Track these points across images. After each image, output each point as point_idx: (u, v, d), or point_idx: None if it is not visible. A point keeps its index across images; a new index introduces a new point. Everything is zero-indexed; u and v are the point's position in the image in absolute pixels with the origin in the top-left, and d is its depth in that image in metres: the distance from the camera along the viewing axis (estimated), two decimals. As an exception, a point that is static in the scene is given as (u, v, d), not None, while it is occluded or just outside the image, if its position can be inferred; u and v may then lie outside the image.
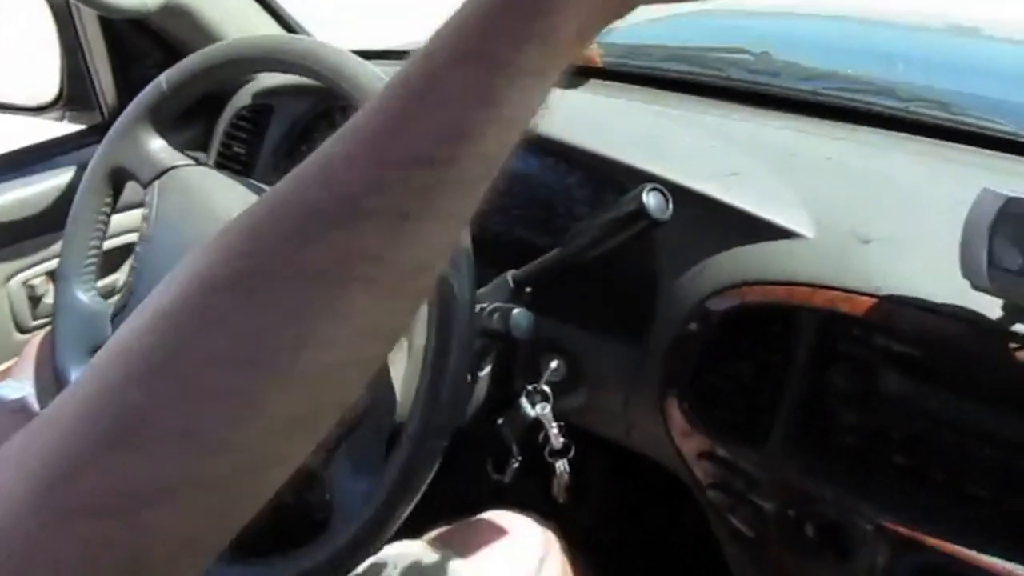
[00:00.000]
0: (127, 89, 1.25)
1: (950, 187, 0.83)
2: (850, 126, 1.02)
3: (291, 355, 0.31)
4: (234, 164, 1.19)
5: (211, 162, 1.21)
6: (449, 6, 0.34)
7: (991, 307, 0.68)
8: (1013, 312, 0.67)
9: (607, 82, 1.19)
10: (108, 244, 1.02)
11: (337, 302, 0.32)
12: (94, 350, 0.93)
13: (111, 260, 1.17)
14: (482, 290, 0.89)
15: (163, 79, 0.89)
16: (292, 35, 0.89)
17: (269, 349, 0.31)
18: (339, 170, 0.32)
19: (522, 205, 1.01)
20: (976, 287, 0.67)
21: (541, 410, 0.88)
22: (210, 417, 0.31)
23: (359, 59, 0.78)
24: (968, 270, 0.67)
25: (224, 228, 0.33)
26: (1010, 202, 0.64)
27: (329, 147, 0.33)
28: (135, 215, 1.10)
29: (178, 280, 0.33)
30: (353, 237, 0.31)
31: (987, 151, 0.97)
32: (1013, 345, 0.67)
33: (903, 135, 1.00)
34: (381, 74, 0.77)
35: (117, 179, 0.93)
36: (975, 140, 0.98)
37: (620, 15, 0.35)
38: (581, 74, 1.20)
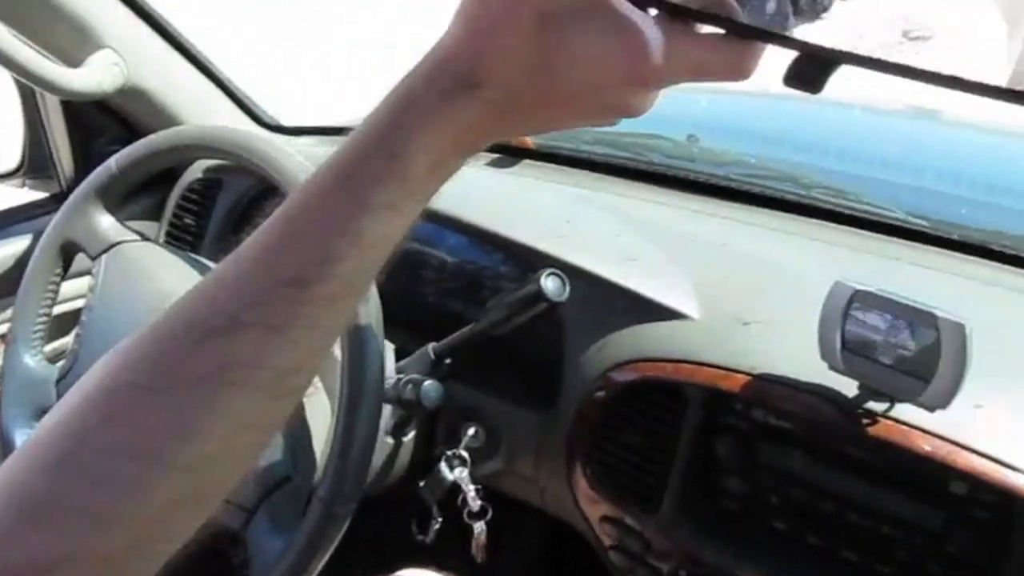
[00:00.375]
0: (85, 162, 1.31)
1: (829, 272, 0.91)
2: (755, 210, 1.11)
3: (176, 447, 0.38)
4: (184, 235, 1.26)
5: (163, 231, 1.28)
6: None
7: (849, 386, 0.76)
8: (866, 391, 0.75)
9: (537, 163, 1.27)
10: (58, 309, 1.08)
11: (216, 402, 0.38)
12: (38, 412, 0.98)
13: (60, 324, 1.22)
14: (405, 361, 0.96)
15: (113, 162, 0.97)
16: (231, 128, 0.97)
17: (157, 442, 0.38)
18: (221, 288, 0.40)
19: (453, 280, 1.08)
20: (833, 369, 0.74)
21: (459, 474, 0.95)
22: (107, 499, 0.37)
23: (288, 151, 0.86)
24: (825, 353, 0.74)
25: (127, 338, 0.40)
26: (856, 294, 0.72)
27: (219, 267, 0.40)
28: (84, 282, 1.16)
29: (88, 382, 0.39)
30: (231, 346, 0.38)
31: (879, 235, 1.06)
32: (866, 421, 0.75)
33: (803, 219, 1.09)
34: (306, 164, 0.85)
35: (67, 252, 1.00)
36: (869, 225, 1.07)
37: (470, 155, 0.42)
38: (514, 155, 1.29)
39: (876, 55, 0.37)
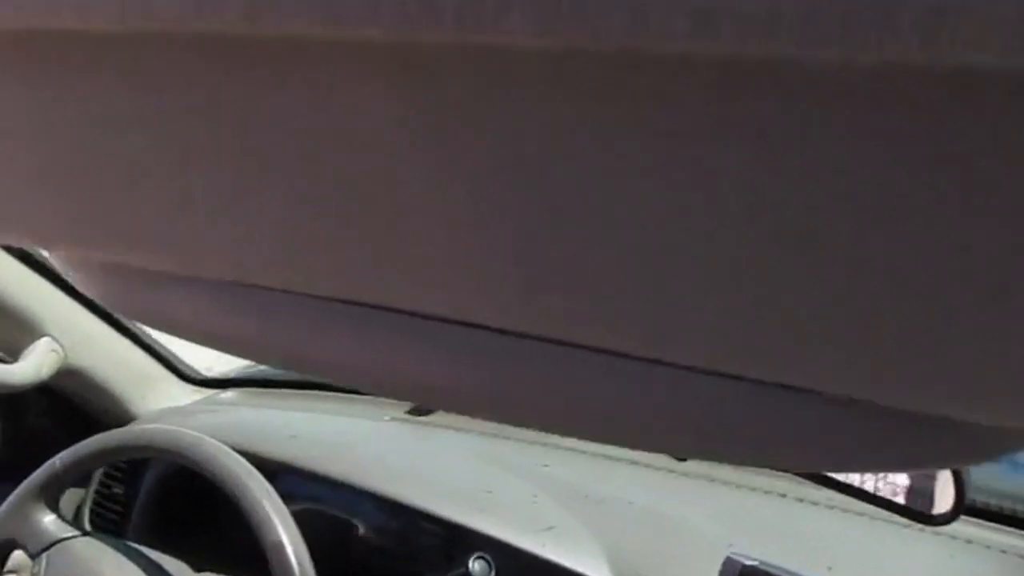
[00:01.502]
0: (15, 435, 1.35)
1: (724, 520, 1.03)
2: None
3: None
4: (112, 504, 1.29)
5: (89, 499, 1.31)
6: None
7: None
8: (760, 655, 0.84)
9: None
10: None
11: None
12: None
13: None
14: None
15: (58, 461, 1.02)
16: (162, 429, 1.04)
17: None
18: None
19: (379, 539, 1.15)
20: (730, 638, 0.84)
21: None
22: None
23: (222, 447, 0.96)
24: (723, 624, 0.84)
25: None
26: (744, 569, 0.83)
27: None
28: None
29: None
30: None
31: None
32: None
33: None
34: (225, 449, 0.95)
35: (5, 550, 1.03)
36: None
37: None
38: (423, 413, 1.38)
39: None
